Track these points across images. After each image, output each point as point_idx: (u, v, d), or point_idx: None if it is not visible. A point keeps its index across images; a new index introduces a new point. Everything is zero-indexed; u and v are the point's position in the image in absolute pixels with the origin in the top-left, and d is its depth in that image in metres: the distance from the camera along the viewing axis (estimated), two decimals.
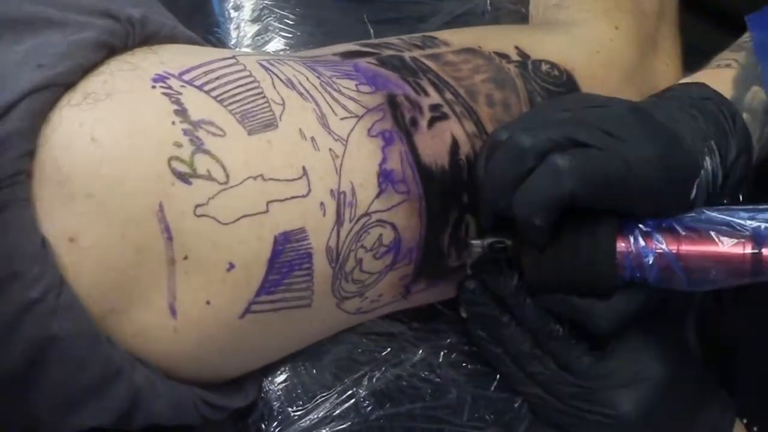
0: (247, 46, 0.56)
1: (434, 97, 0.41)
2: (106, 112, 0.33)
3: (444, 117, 0.41)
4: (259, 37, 0.56)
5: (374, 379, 0.46)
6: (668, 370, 0.40)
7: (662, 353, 0.41)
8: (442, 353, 0.49)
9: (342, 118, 0.38)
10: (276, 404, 0.44)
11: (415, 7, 0.58)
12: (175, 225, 0.33)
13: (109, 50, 0.36)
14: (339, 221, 0.37)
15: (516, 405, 0.49)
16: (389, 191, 0.38)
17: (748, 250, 0.35)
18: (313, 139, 0.37)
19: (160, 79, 0.35)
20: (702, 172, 0.40)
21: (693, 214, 0.38)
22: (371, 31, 0.57)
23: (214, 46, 0.55)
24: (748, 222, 0.36)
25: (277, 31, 0.56)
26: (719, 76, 0.46)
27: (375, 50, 0.43)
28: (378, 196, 0.38)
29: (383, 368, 0.47)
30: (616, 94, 0.46)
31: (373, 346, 0.47)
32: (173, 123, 0.34)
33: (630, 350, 0.41)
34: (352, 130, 0.38)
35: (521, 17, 0.59)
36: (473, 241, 0.39)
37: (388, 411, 0.46)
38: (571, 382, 0.41)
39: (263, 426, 0.44)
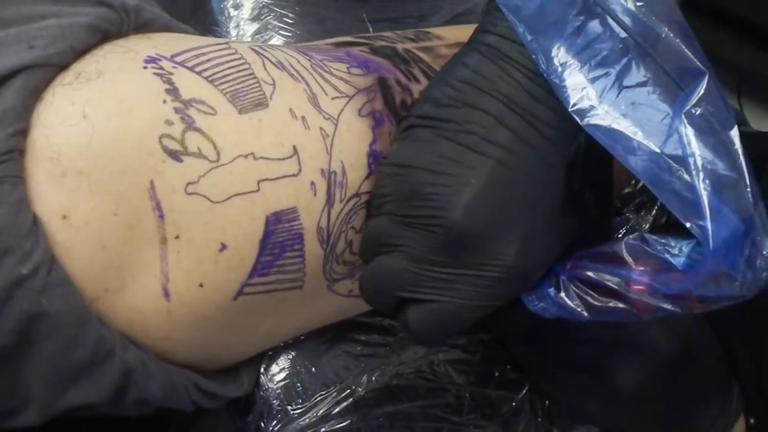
0: None
1: (425, 85, 0.41)
2: (98, 91, 0.33)
3: None
4: (258, 36, 0.56)
5: (373, 378, 0.46)
6: (676, 346, 0.39)
7: (673, 329, 0.39)
8: (441, 351, 0.49)
9: (333, 98, 0.38)
10: (275, 402, 0.45)
11: (415, 6, 0.58)
12: (166, 203, 0.33)
13: (103, 35, 0.36)
14: (329, 201, 0.37)
15: (514, 403, 0.49)
16: None
17: None
18: (303, 118, 0.37)
19: (151, 60, 0.35)
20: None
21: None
22: (370, 29, 0.57)
23: None
24: None
25: (277, 29, 0.56)
26: None
27: (368, 41, 0.44)
28: (368, 176, 0.38)
29: (382, 366, 0.47)
30: None
31: (373, 345, 0.47)
32: (164, 101, 0.34)
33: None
34: (342, 109, 0.38)
35: None
36: None
37: (388, 409, 0.46)
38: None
39: (262, 424, 0.44)
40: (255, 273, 0.35)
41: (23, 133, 0.31)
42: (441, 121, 0.35)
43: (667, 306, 0.32)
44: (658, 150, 0.31)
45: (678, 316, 0.40)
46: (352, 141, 0.38)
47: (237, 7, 0.57)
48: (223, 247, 0.34)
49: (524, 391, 0.49)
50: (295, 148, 0.36)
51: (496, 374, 0.49)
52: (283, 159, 0.36)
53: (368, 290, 0.37)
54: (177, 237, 0.33)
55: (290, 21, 0.56)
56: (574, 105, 0.32)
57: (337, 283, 0.40)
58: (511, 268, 0.34)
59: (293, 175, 0.36)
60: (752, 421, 0.45)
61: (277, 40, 0.56)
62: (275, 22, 0.56)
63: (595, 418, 0.45)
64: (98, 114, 0.32)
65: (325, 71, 0.39)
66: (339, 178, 0.37)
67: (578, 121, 0.32)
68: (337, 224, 0.37)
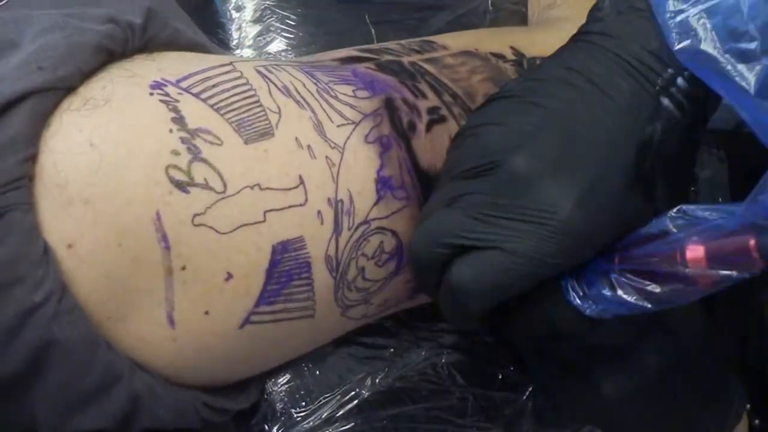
0: (249, 46, 0.56)
1: (432, 100, 0.41)
2: (105, 118, 0.33)
3: (442, 120, 0.41)
4: (260, 38, 0.56)
5: (377, 380, 0.46)
6: (664, 360, 0.38)
7: (662, 341, 0.38)
8: (444, 353, 0.49)
9: (339, 125, 0.38)
10: (279, 405, 0.45)
11: (417, 7, 0.58)
12: (172, 234, 0.33)
13: (108, 55, 0.35)
14: (337, 230, 0.37)
15: (518, 404, 0.49)
16: (388, 198, 0.38)
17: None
18: (309, 147, 0.37)
19: (157, 86, 0.35)
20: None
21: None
22: (373, 31, 0.57)
23: (219, 45, 0.55)
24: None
25: (279, 31, 0.56)
26: None
27: (374, 56, 0.43)
28: (377, 203, 0.38)
29: (386, 369, 0.47)
30: None
31: (376, 347, 0.47)
32: (171, 131, 0.33)
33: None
34: (348, 137, 0.38)
35: (522, 17, 0.59)
36: None
37: (391, 411, 0.46)
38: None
39: (266, 427, 0.44)
40: (262, 301, 0.35)
41: (32, 159, 0.31)
42: (517, 91, 0.35)
43: (728, 272, 0.30)
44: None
45: (689, 315, 0.40)
46: (358, 169, 0.38)
47: (239, 9, 0.57)
48: (230, 276, 0.34)
49: (528, 392, 0.49)
50: (301, 177, 0.36)
51: (500, 376, 0.49)
52: (290, 189, 0.35)
53: (419, 243, 0.35)
54: (183, 268, 0.33)
55: (292, 23, 0.56)
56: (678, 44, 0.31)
57: (351, 309, 0.40)
58: (567, 224, 0.32)
59: (299, 205, 0.36)
60: (757, 422, 0.45)
61: (279, 43, 0.56)
62: (277, 24, 0.56)
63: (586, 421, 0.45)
64: (105, 143, 0.32)
65: (331, 96, 0.39)
66: (346, 206, 0.37)
67: (681, 59, 0.31)
68: (346, 252, 0.37)
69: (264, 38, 0.56)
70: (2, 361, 0.30)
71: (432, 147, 0.40)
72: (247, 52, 0.55)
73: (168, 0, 0.41)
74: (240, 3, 0.57)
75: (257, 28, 0.56)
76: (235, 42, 0.56)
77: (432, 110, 0.41)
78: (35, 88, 0.32)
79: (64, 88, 0.33)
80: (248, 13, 0.56)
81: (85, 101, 0.33)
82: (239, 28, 0.56)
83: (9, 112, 0.31)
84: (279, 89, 0.38)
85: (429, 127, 0.40)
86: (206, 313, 0.34)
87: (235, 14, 0.57)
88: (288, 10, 0.56)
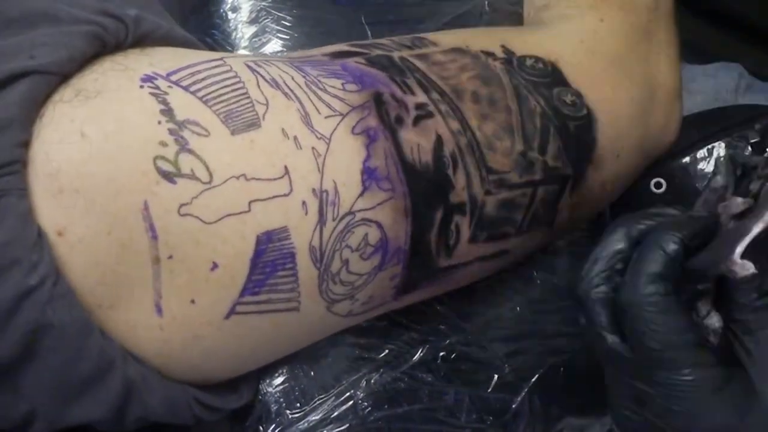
0: (245, 47, 0.56)
1: (420, 96, 0.41)
2: (96, 110, 0.33)
3: (429, 115, 0.41)
4: (256, 39, 0.56)
5: (372, 381, 0.46)
6: None
7: None
8: (440, 354, 0.49)
9: (326, 117, 0.38)
10: (274, 406, 0.45)
11: (413, 8, 0.58)
12: (159, 224, 0.33)
13: (101, 45, 0.36)
14: (321, 220, 0.37)
15: (513, 406, 0.49)
16: (373, 189, 0.38)
17: None
18: (295, 138, 0.37)
19: (148, 79, 0.35)
20: None
21: None
22: (369, 33, 0.57)
23: (212, 48, 0.55)
24: None
25: (275, 32, 0.56)
26: None
27: (364, 50, 0.44)
28: (362, 194, 0.38)
29: (381, 370, 0.47)
30: (600, 79, 0.47)
31: (371, 348, 0.47)
32: (159, 122, 0.34)
33: None
34: (335, 128, 0.38)
35: (519, 18, 0.59)
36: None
37: (386, 412, 0.46)
38: None
39: (261, 428, 0.44)
40: (246, 291, 0.36)
41: (26, 145, 0.32)
42: None
43: None
44: None
45: None
46: (344, 159, 0.38)
47: (235, 10, 0.57)
48: (215, 265, 0.34)
49: (523, 393, 0.49)
50: (286, 168, 0.36)
51: (495, 377, 0.49)
52: (275, 179, 0.36)
53: None
54: (170, 257, 0.34)
55: (288, 24, 0.56)
56: None
57: (336, 304, 0.40)
58: None
59: (284, 195, 0.36)
60: None
61: (275, 44, 0.56)
62: (273, 25, 0.56)
63: None
64: (96, 133, 0.33)
65: (319, 88, 0.39)
66: (331, 196, 0.37)
67: None
68: (330, 243, 0.37)
69: (260, 39, 0.56)
70: None
71: (418, 141, 0.40)
72: (243, 53, 0.55)
73: (156, 7, 0.42)
74: (236, 4, 0.57)
75: (253, 29, 0.56)
76: (230, 43, 0.56)
77: (419, 106, 0.41)
78: (29, 69, 0.32)
79: (57, 74, 0.33)
80: (244, 14, 0.56)
81: (76, 93, 0.34)
82: (235, 29, 0.56)
83: (3, 90, 0.32)
84: (267, 81, 0.38)
85: (416, 121, 0.41)
86: (192, 302, 0.35)
87: (230, 15, 0.57)
88: (284, 11, 0.56)
